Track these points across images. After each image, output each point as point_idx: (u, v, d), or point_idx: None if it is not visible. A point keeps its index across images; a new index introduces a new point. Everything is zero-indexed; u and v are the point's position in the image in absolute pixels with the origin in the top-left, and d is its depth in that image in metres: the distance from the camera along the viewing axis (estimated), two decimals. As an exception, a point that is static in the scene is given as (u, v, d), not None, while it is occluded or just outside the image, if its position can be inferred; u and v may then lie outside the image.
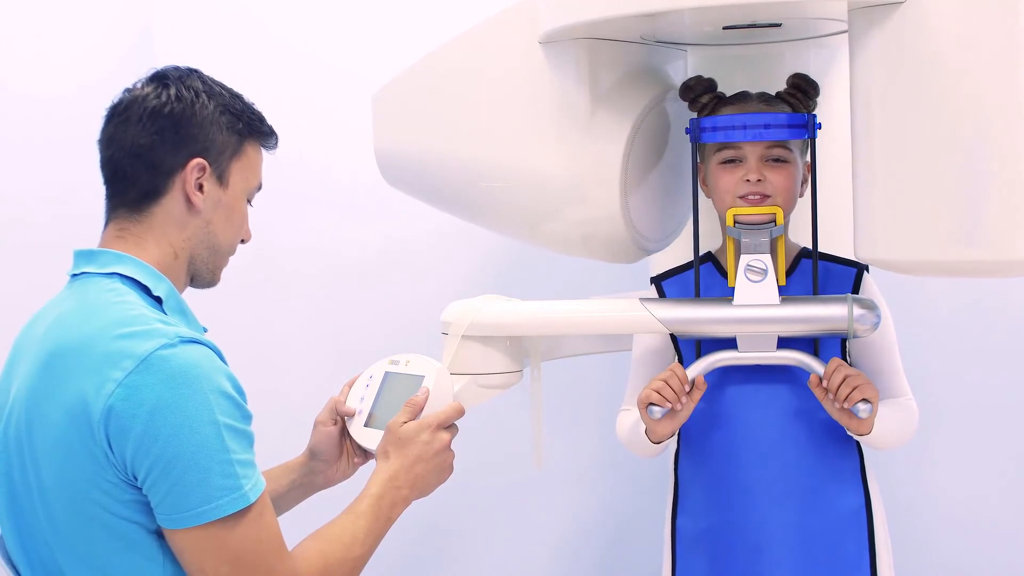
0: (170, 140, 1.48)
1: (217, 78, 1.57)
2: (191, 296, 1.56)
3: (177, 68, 1.54)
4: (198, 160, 1.49)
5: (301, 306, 2.79)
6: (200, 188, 1.50)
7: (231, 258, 1.60)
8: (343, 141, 2.74)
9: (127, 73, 1.57)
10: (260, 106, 1.60)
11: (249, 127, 1.55)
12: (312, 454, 1.77)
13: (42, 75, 2.56)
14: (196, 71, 1.55)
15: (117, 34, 2.73)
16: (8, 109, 2.49)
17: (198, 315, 1.52)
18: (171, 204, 1.49)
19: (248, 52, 2.78)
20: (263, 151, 1.60)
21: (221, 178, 1.52)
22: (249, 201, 1.59)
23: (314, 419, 1.79)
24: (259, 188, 1.60)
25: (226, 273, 1.61)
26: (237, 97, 1.56)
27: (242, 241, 1.60)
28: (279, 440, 1.89)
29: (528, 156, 1.91)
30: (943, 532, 2.58)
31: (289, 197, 2.70)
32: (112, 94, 1.54)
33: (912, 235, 1.59)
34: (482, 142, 1.97)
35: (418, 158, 2.09)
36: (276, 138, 1.61)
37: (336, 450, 1.77)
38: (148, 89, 1.50)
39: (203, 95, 1.51)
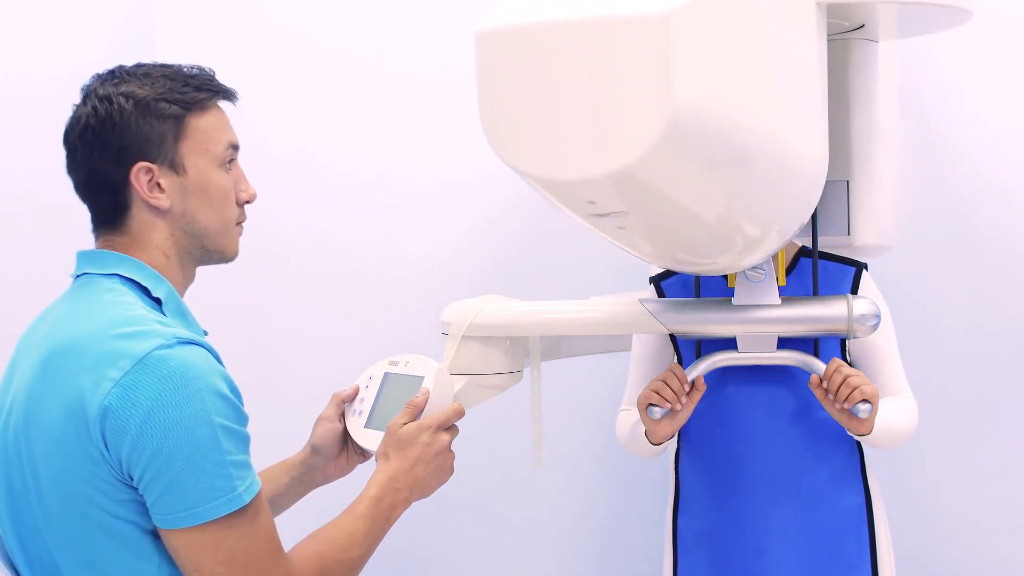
0: (106, 157, 1.45)
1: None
2: (194, 296, 1.55)
3: (97, 75, 1.50)
4: (140, 164, 1.45)
5: (301, 306, 2.79)
6: (158, 187, 1.46)
7: (244, 237, 1.55)
8: (345, 138, 2.73)
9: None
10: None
11: (182, 104, 1.47)
12: (313, 450, 1.77)
13: (33, 55, 2.43)
14: (113, 70, 1.50)
15: (110, 12, 2.64)
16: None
17: (198, 315, 1.52)
18: (139, 213, 1.47)
19: (249, 40, 2.76)
20: (223, 110, 1.52)
21: (174, 167, 1.47)
22: (229, 163, 1.52)
23: (317, 416, 1.79)
24: (234, 147, 1.53)
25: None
26: (164, 77, 1.48)
27: (246, 203, 1.54)
28: (280, 440, 1.89)
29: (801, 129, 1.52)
30: (944, 531, 2.58)
31: (289, 195, 2.69)
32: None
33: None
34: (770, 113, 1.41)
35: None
36: (224, 92, 1.52)
37: (337, 447, 1.77)
38: (79, 109, 1.47)
39: (118, 98, 1.45)
